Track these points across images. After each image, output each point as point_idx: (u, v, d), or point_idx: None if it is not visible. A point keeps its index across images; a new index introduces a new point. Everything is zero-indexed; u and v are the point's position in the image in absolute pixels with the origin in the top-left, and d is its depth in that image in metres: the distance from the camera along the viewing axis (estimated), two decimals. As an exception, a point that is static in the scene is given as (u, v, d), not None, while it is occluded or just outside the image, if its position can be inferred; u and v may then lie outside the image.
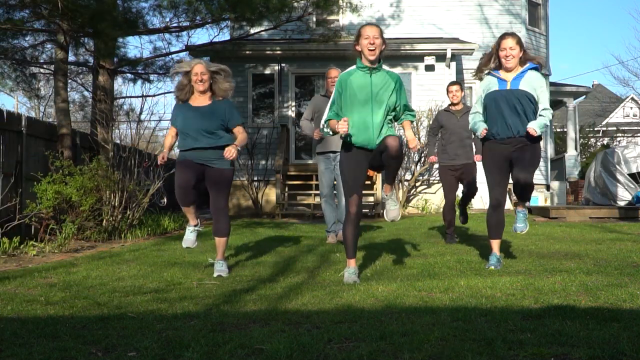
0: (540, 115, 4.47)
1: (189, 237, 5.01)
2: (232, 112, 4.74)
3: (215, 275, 4.55)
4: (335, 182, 6.91)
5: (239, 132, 4.78)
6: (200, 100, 4.72)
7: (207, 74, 4.66)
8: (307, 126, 6.90)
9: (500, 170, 4.64)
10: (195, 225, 5.01)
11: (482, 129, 4.54)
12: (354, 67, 4.16)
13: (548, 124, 4.51)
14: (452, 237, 6.61)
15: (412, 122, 4.27)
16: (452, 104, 6.58)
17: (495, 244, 4.71)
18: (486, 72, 4.69)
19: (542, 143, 4.87)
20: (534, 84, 4.50)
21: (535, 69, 4.56)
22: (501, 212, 4.69)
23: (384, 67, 4.18)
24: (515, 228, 4.74)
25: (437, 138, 6.81)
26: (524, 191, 4.57)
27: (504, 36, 4.57)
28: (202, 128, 4.60)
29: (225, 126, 4.70)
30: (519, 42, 4.53)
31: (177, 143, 4.93)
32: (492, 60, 4.62)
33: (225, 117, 4.68)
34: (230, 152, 4.46)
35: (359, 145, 4.12)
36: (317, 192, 12.18)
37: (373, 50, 4.01)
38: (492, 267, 4.55)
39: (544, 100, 4.50)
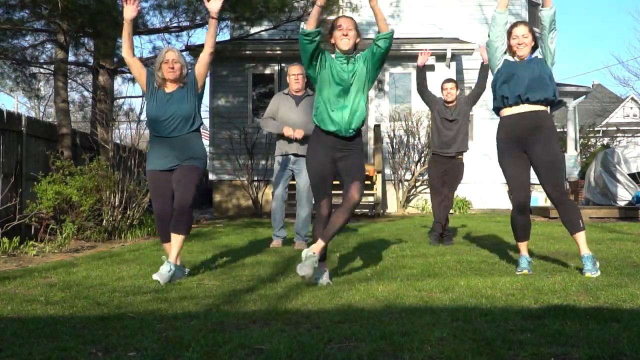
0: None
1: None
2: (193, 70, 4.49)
3: (154, 277, 4.21)
4: (293, 183, 6.49)
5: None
6: (170, 89, 4.45)
7: (179, 62, 4.38)
8: (273, 124, 6.33)
9: (518, 161, 4.36)
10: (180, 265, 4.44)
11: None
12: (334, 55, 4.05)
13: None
14: (450, 237, 6.43)
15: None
16: (446, 102, 6.35)
17: (523, 246, 4.46)
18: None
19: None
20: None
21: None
22: (527, 216, 4.44)
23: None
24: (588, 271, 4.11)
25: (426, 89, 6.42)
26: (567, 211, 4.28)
27: (515, 24, 4.37)
28: (172, 114, 4.36)
29: (198, 100, 4.47)
30: (532, 30, 4.34)
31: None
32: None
33: (194, 83, 4.43)
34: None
35: (328, 132, 4.00)
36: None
37: (347, 41, 3.91)
38: (526, 271, 4.26)
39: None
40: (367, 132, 13.79)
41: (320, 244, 3.94)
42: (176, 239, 4.34)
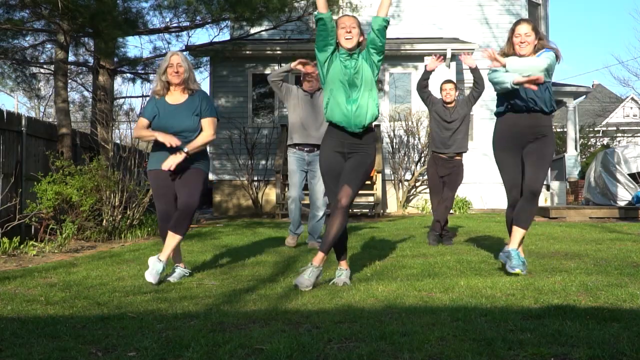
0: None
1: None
2: (206, 102, 4.42)
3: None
4: (307, 186, 6.40)
5: (205, 128, 4.40)
6: (175, 96, 4.42)
7: (182, 66, 4.34)
8: (275, 72, 6.28)
9: (513, 158, 4.37)
10: (183, 267, 4.56)
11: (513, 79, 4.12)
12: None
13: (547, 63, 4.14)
14: (449, 238, 6.42)
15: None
16: (445, 103, 6.40)
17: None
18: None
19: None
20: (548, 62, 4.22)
21: (551, 52, 4.30)
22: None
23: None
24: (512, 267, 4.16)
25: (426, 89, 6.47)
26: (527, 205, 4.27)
27: (518, 22, 4.36)
28: (179, 127, 4.33)
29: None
30: (535, 28, 4.31)
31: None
32: (508, 48, 4.36)
33: (199, 109, 4.38)
34: (167, 164, 4.18)
35: (336, 123, 4.00)
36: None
37: (350, 38, 3.94)
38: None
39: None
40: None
41: (319, 255, 3.92)
42: (172, 239, 4.28)
